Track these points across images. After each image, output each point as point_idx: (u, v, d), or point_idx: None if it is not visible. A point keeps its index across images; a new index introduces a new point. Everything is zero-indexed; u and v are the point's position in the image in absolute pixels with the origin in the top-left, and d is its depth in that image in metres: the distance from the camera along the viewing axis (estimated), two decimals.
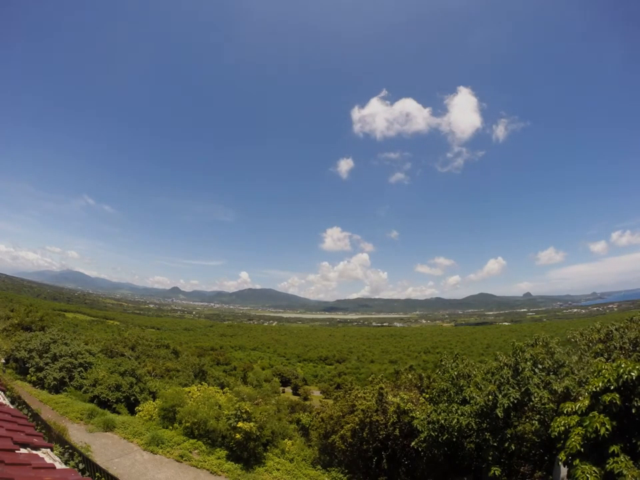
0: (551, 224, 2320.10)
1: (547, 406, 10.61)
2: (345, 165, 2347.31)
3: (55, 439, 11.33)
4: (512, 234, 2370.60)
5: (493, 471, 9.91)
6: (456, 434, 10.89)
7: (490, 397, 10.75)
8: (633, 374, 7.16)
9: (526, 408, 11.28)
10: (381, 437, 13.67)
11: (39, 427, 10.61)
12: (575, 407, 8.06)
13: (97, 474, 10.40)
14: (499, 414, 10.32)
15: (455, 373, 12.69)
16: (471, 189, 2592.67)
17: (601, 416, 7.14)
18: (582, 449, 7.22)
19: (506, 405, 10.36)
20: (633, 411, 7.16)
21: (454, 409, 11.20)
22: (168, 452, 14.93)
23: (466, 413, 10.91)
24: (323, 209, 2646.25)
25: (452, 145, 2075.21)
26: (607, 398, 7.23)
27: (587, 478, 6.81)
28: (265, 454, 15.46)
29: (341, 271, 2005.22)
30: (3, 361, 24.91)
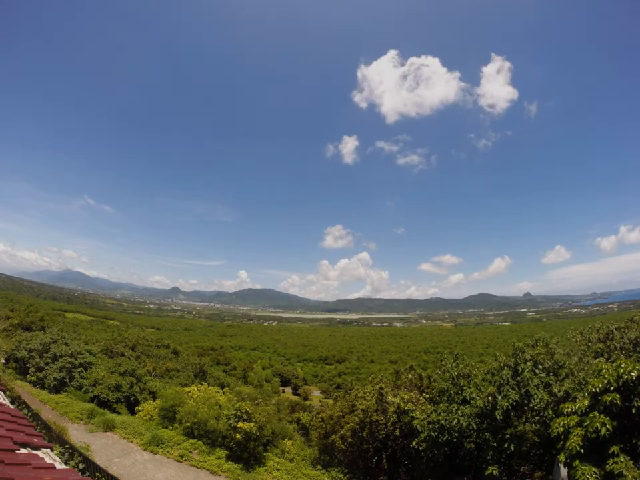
0: (557, 222, 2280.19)
1: (547, 409, 10.60)
2: (350, 144, 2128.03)
3: (55, 439, 11.32)
4: (520, 232, 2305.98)
5: (490, 470, 9.92)
6: (457, 434, 10.88)
7: (489, 398, 10.74)
8: (633, 374, 7.16)
9: (526, 408, 11.26)
10: (381, 436, 13.64)
11: (39, 427, 10.60)
12: (575, 407, 8.06)
13: (97, 474, 10.39)
14: (498, 416, 10.31)
15: (456, 373, 12.68)
16: (487, 181, 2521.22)
17: (602, 416, 7.13)
18: (582, 450, 7.22)
19: (505, 407, 10.35)
20: (633, 411, 7.16)
21: (454, 409, 11.18)
22: (168, 452, 14.93)
23: (466, 413, 10.90)
24: (323, 207, 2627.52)
25: (474, 125, 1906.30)
26: (607, 398, 7.23)
27: (588, 479, 6.81)
28: (265, 454, 15.45)
29: (342, 269, 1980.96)
30: (3, 361, 24.92)
